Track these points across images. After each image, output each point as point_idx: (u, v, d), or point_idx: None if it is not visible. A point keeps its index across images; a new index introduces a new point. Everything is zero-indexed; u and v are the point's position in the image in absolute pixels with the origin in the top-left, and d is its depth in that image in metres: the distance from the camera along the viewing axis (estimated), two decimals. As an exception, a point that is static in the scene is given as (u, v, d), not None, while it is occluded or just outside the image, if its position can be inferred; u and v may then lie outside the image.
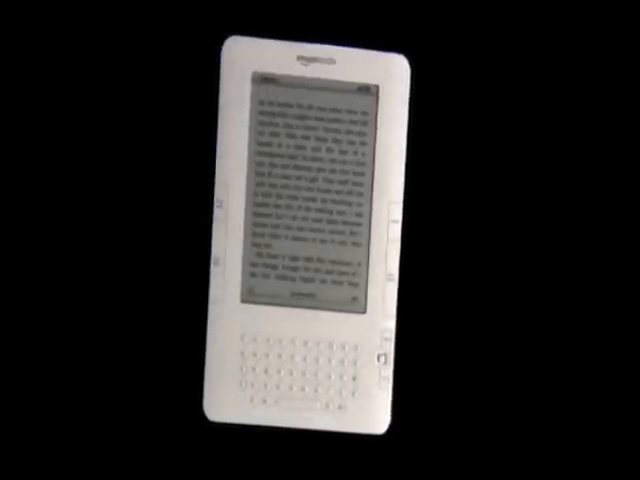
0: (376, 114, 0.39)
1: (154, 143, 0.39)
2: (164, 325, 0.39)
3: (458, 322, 0.40)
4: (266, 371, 0.38)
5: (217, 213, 0.38)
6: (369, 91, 0.39)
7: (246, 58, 0.38)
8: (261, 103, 0.39)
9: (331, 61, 0.39)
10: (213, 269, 0.38)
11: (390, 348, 0.39)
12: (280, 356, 0.38)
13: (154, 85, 0.39)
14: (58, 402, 0.38)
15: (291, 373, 0.38)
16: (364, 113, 0.39)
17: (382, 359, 0.39)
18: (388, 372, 0.39)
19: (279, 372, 0.38)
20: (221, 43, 0.38)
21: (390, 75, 0.39)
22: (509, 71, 0.40)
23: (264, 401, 0.38)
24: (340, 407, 0.39)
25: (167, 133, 0.39)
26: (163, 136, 0.39)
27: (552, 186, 0.40)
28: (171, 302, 0.39)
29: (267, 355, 0.38)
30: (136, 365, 0.39)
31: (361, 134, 0.39)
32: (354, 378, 0.39)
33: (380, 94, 0.39)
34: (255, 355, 0.38)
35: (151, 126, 0.39)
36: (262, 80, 0.39)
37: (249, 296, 0.38)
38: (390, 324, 0.39)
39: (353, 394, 0.39)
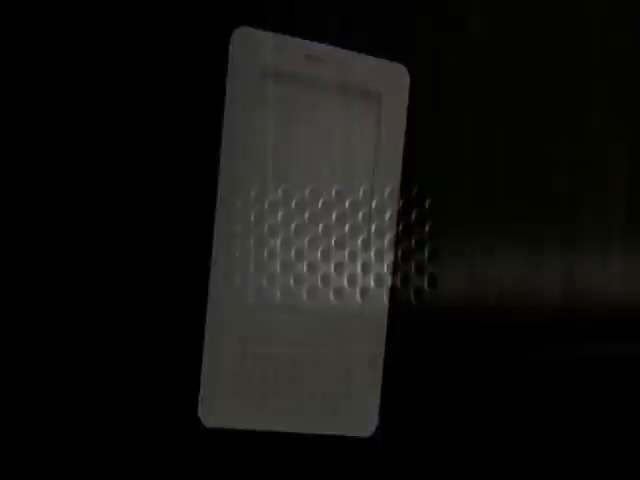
0: (379, 121, 0.39)
1: (156, 139, 0.37)
2: (161, 326, 0.37)
3: (448, 326, 0.41)
4: (264, 375, 0.38)
5: (219, 211, 0.37)
6: (372, 97, 0.39)
7: (255, 51, 0.37)
8: (268, 99, 0.38)
9: (338, 63, 0.39)
10: (213, 269, 0.37)
11: (381, 351, 0.39)
12: (278, 360, 0.38)
13: (155, 79, 0.37)
14: (51, 404, 0.35)
15: (289, 377, 0.38)
16: (367, 119, 0.39)
17: (374, 362, 0.39)
18: (379, 375, 0.39)
19: (277, 376, 0.38)
20: (229, 35, 0.37)
21: (392, 84, 0.40)
22: (504, 96, 0.42)
23: (261, 406, 0.37)
24: (333, 411, 0.39)
25: (168, 129, 0.37)
26: (164, 132, 0.37)
27: (545, 187, 0.43)
28: (169, 302, 0.37)
29: (265, 358, 0.38)
30: (131, 367, 0.36)
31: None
32: (349, 382, 0.39)
33: (383, 101, 0.39)
34: (253, 358, 0.37)
35: (153, 121, 0.37)
36: (270, 76, 0.38)
37: (249, 298, 0.37)
38: (383, 327, 0.39)
39: (346, 397, 0.39)
